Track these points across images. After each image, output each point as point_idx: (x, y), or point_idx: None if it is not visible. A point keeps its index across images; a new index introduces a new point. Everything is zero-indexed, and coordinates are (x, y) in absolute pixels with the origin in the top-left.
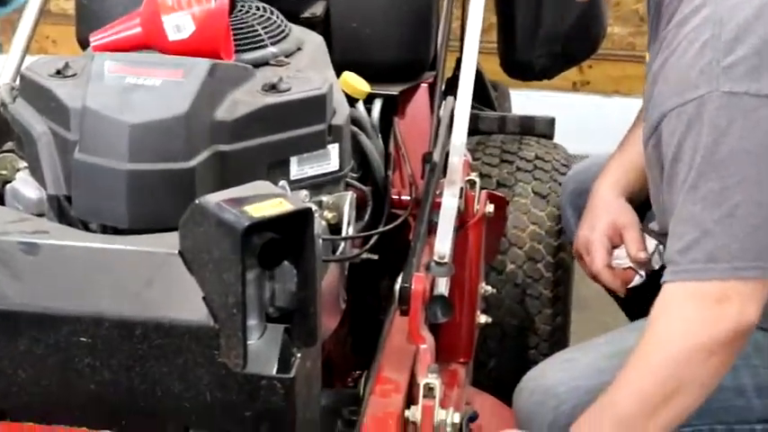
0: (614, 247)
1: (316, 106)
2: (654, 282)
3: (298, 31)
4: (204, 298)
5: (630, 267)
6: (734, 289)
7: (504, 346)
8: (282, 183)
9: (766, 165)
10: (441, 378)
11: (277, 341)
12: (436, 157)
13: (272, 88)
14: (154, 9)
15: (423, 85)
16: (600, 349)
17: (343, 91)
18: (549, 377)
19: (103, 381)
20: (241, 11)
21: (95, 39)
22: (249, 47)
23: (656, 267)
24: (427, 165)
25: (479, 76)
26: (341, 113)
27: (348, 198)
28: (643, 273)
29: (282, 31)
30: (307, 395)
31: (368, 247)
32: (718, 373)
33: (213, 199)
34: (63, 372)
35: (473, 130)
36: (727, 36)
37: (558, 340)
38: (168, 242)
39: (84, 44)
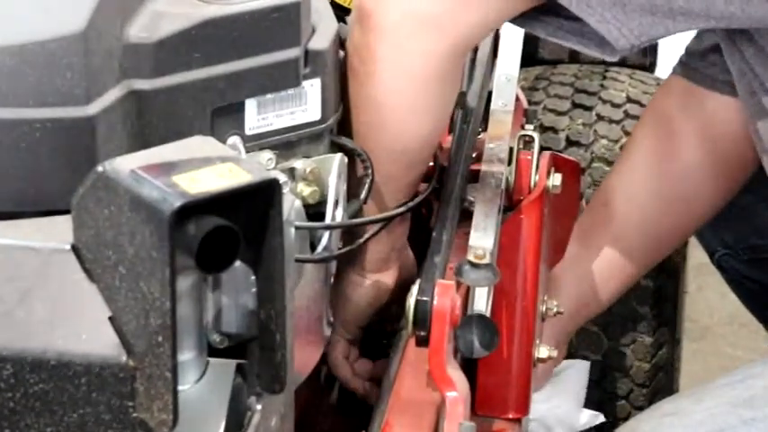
0: None
1: (284, 21)
2: None
3: None
4: (111, 319)
5: None
6: None
7: None
8: (234, 139)
9: None
10: None
11: (225, 386)
12: (472, 99)
13: None
14: None
15: None
16: (723, 395)
17: None
18: None
19: None
20: None
21: None
22: None
23: None
24: (458, 112)
25: None
26: (324, 32)
27: (335, 164)
28: None
29: None
30: None
31: (367, 238)
32: None
33: (125, 164)
34: None
35: (531, 58)
36: None
37: (661, 384)
38: (54, 231)
39: None
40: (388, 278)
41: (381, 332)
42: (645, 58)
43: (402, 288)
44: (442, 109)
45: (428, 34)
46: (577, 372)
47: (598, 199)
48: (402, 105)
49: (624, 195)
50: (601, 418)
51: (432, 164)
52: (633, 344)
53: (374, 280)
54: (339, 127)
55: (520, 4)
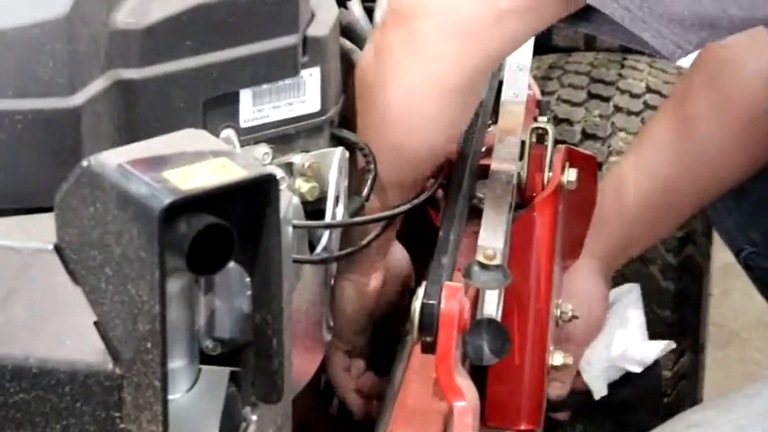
0: None
1: (281, 6)
2: None
3: None
4: (97, 324)
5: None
6: None
7: (595, 403)
8: (228, 132)
9: None
10: None
11: (218, 395)
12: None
13: None
14: None
15: None
16: (752, 405)
17: None
18: None
19: None
20: None
21: None
22: None
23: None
24: None
25: None
26: (323, 18)
27: (336, 158)
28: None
29: None
30: None
31: (370, 239)
32: None
33: (112, 159)
34: None
35: (544, 46)
36: None
37: (684, 392)
38: (36, 231)
39: None
40: (374, 281)
41: (386, 339)
42: None
43: (393, 291)
44: (462, 121)
45: (464, 43)
46: (631, 299)
47: (612, 177)
48: (421, 112)
49: (644, 168)
50: (672, 345)
51: None
52: None
53: (357, 283)
54: (341, 120)
55: (562, 11)
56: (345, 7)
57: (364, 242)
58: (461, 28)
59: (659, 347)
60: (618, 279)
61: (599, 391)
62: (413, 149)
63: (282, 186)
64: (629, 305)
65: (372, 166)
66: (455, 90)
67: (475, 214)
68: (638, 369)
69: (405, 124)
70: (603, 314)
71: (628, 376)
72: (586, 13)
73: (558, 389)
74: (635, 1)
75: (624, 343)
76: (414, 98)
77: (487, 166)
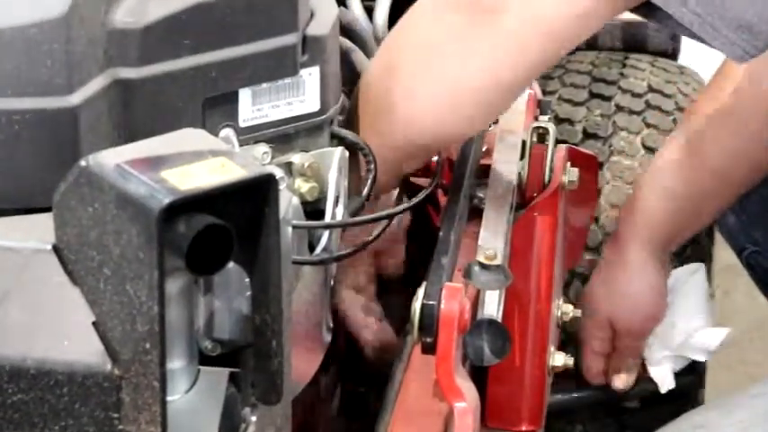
0: None
1: (280, 5)
2: None
3: None
4: (95, 324)
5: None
6: None
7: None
8: (227, 132)
9: None
10: None
11: (217, 396)
12: None
13: None
14: None
15: None
16: (755, 406)
17: None
18: None
19: None
20: None
21: None
22: None
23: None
24: None
25: None
26: (323, 17)
27: (336, 158)
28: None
29: None
30: None
31: (371, 241)
32: None
33: (110, 159)
34: None
35: None
36: None
37: (686, 393)
38: (34, 231)
39: None
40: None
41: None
42: (668, 44)
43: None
44: (491, 120)
45: (544, 44)
46: (694, 281)
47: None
48: (462, 103)
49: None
50: (727, 331)
51: (435, 158)
52: None
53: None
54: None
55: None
56: (345, 6)
57: (365, 241)
58: (546, 29)
59: (722, 334)
60: None
61: (665, 382)
62: (429, 138)
63: (282, 186)
64: (692, 288)
65: (372, 166)
66: (512, 88)
67: (475, 214)
68: (702, 358)
69: (432, 111)
70: (661, 302)
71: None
72: (650, 9)
73: (623, 380)
74: (705, 7)
75: (687, 330)
76: (461, 89)
77: (488, 166)
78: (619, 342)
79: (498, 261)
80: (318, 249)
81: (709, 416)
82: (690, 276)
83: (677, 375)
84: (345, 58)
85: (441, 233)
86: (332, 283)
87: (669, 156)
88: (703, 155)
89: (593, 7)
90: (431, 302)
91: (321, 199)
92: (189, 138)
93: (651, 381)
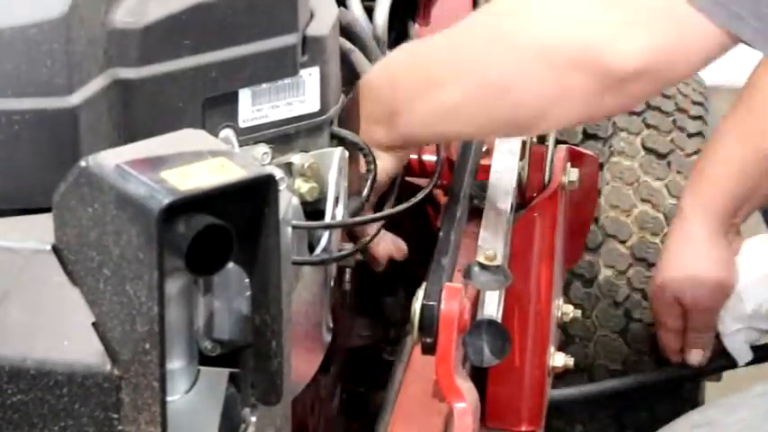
0: None
1: (280, 5)
2: None
3: None
4: (95, 324)
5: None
6: None
7: (596, 404)
8: (227, 132)
9: None
10: None
11: (217, 397)
12: None
13: None
14: None
15: None
16: (759, 405)
17: None
18: None
19: None
20: None
21: None
22: None
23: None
24: None
25: None
26: (323, 18)
27: (336, 158)
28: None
29: None
30: None
31: (369, 240)
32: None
33: (110, 159)
34: None
35: None
36: None
37: (687, 393)
38: (34, 231)
39: None
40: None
41: (385, 340)
42: None
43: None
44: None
45: (651, 83)
46: (765, 250)
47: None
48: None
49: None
50: None
51: (434, 158)
52: (655, 352)
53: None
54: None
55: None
56: (345, 6)
57: (366, 241)
58: (659, 69)
59: None
60: (620, 280)
61: (741, 355)
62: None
63: (282, 187)
64: (762, 258)
65: (372, 166)
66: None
67: (475, 214)
68: None
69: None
70: (728, 275)
71: None
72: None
73: (697, 355)
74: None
75: (757, 301)
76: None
77: (488, 166)
78: (690, 317)
79: (498, 261)
80: (318, 249)
81: (711, 414)
82: (759, 246)
83: (755, 348)
84: (345, 58)
85: (441, 233)
86: (331, 283)
87: (731, 125)
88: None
89: None
90: (431, 303)
91: (321, 199)
92: (189, 138)
93: (728, 355)
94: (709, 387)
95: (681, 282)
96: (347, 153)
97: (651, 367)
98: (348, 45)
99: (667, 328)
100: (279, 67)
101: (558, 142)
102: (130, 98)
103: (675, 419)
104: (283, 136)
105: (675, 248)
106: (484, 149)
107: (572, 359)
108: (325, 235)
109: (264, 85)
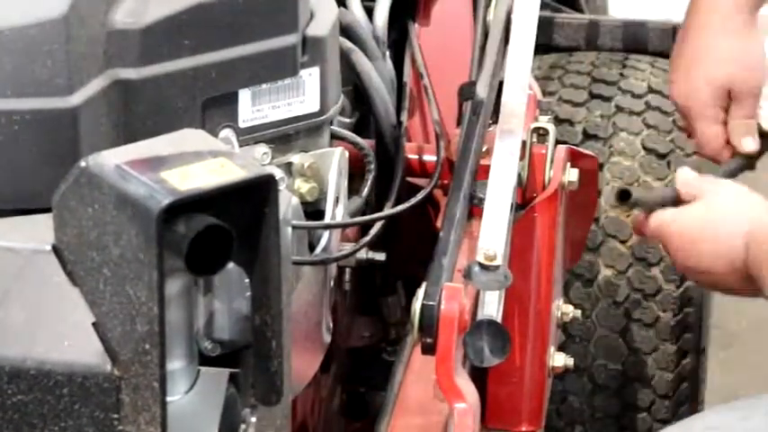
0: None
1: (280, 5)
2: None
3: None
4: (95, 325)
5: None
6: None
7: (596, 405)
8: (227, 132)
9: None
10: None
11: (217, 397)
12: (481, 90)
13: None
14: None
15: None
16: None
17: None
18: None
19: None
20: None
21: None
22: None
23: None
24: (466, 103)
25: None
26: (323, 18)
27: (335, 158)
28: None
29: None
30: None
31: (369, 240)
32: None
33: (110, 159)
34: None
35: (545, 45)
36: None
37: (685, 395)
38: (34, 231)
39: None
40: None
41: (384, 340)
42: (668, 45)
43: None
44: None
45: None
46: None
47: None
48: None
49: None
50: None
51: (434, 159)
52: (655, 352)
53: None
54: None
55: None
56: (345, 6)
57: (366, 240)
58: None
59: None
60: (619, 280)
61: None
62: None
63: (282, 187)
64: None
65: (372, 166)
66: None
67: (475, 214)
68: None
69: None
70: (761, 58)
71: None
72: None
73: (750, 143)
74: None
75: None
76: None
77: (488, 166)
78: (739, 105)
79: (498, 262)
80: (318, 249)
81: (725, 418)
82: None
83: None
84: (346, 59)
85: (441, 233)
86: (331, 283)
87: None
88: None
89: None
90: (430, 303)
91: (321, 199)
92: (188, 138)
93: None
94: (709, 392)
95: (730, 69)
96: (347, 153)
97: (651, 367)
98: (348, 45)
99: (711, 120)
100: (279, 68)
101: (558, 142)
102: (130, 98)
103: (687, 418)
104: (283, 136)
105: (712, 42)
106: (484, 149)
107: (572, 359)
108: (325, 235)
109: (264, 86)
